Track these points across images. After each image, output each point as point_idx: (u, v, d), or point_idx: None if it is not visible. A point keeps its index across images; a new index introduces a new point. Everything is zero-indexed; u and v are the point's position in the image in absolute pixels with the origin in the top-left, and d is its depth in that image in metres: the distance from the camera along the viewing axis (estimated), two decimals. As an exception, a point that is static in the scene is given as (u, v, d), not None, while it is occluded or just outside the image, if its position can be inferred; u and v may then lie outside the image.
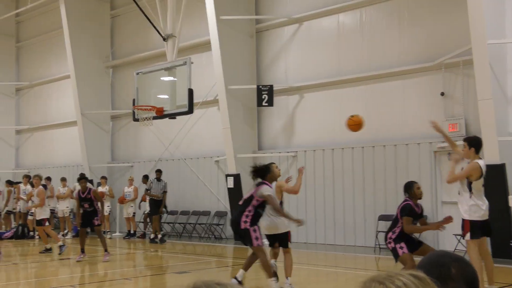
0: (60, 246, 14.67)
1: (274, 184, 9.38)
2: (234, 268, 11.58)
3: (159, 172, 18.46)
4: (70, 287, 10.47)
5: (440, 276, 1.83)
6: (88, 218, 13.83)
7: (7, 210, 21.08)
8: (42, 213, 15.12)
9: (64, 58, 22.84)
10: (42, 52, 25.85)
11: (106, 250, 13.60)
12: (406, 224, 8.31)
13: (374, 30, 15.44)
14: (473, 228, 8.08)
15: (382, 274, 1.58)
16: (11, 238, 19.64)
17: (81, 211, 13.95)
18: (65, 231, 19.96)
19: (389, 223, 14.39)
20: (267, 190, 8.94)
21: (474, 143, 8.40)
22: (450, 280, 1.84)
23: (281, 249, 9.50)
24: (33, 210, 16.86)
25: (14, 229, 20.26)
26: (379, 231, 14.39)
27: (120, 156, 22.44)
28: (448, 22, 14.10)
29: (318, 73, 16.51)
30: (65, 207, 20.03)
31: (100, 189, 19.29)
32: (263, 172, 9.23)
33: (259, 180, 9.25)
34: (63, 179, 20.56)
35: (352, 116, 9.82)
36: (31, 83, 26.36)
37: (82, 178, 14.39)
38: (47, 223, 15.19)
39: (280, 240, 9.39)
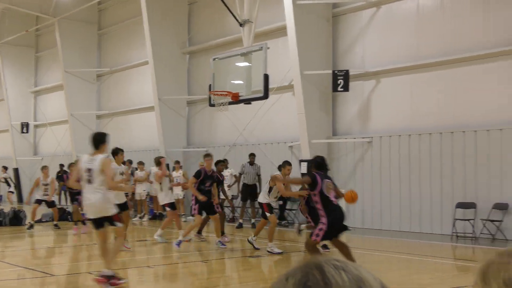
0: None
1: None
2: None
3: (252, 156, 18.22)
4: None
5: None
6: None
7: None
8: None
9: (143, 45, 23.42)
10: (122, 39, 26.62)
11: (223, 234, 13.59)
12: None
13: (457, 12, 14.93)
14: None
15: None
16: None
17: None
18: (142, 214, 20.53)
19: (467, 211, 14.12)
20: None
21: None
22: None
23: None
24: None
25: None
26: (457, 219, 14.04)
27: (196, 141, 22.84)
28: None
29: (395, 57, 16.18)
30: (142, 190, 20.53)
31: (174, 174, 19.31)
32: None
33: None
34: (141, 163, 21.04)
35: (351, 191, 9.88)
36: (111, 69, 27.20)
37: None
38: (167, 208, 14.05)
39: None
